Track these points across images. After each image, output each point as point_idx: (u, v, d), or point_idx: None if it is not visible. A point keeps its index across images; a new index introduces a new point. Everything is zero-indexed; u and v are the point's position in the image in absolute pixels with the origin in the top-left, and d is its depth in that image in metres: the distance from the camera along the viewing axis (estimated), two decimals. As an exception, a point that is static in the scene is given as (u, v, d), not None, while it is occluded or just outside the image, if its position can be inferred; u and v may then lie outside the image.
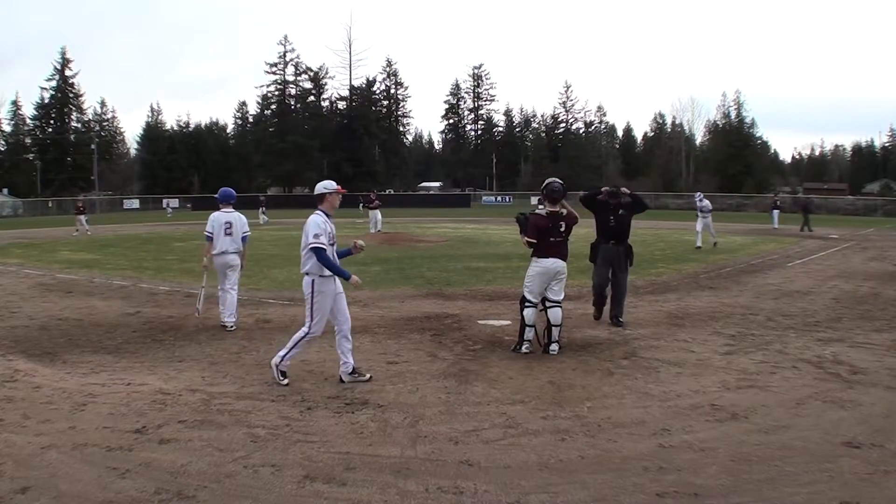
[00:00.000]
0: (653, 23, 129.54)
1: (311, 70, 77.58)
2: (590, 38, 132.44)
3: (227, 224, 8.03)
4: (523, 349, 6.58)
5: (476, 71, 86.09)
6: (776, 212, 29.48)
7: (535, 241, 6.51)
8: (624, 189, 8.22)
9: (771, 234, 25.75)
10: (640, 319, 8.25)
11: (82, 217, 26.79)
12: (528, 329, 6.63)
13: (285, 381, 5.49)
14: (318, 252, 5.32)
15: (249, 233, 8.30)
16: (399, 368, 6.02)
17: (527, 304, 6.64)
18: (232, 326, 7.83)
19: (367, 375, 5.62)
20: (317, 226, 5.38)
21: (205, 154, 77.32)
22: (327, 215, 5.54)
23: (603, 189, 8.24)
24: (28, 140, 71.11)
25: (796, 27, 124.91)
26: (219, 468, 3.76)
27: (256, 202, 35.83)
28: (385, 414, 4.75)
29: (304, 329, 5.49)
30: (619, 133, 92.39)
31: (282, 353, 5.56)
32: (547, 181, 6.79)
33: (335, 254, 5.52)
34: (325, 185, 5.64)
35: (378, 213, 24.89)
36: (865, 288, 11.19)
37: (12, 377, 5.63)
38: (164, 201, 56.93)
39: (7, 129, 69.66)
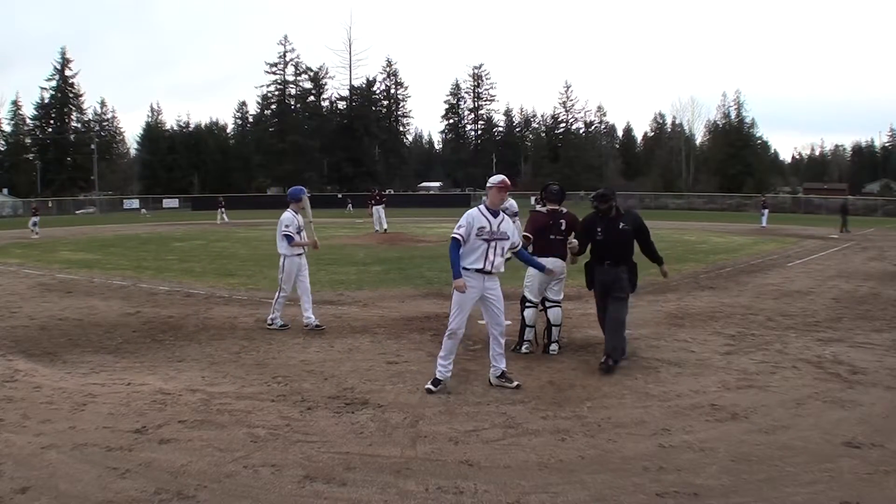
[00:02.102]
0: (653, 23, 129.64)
1: (311, 70, 77.84)
2: (590, 38, 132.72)
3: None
4: (523, 349, 6.58)
5: (476, 71, 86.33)
6: (765, 211, 30.10)
7: (531, 236, 6.50)
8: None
9: (766, 233, 25.79)
10: (640, 319, 8.22)
11: (34, 219, 26.88)
12: (528, 329, 6.63)
13: (436, 389, 5.22)
14: (453, 243, 5.18)
15: (285, 232, 7.92)
16: (399, 368, 6.02)
17: (527, 304, 6.64)
18: (269, 323, 7.89)
19: (515, 383, 5.36)
20: (465, 216, 5.28)
21: (205, 154, 77.38)
22: (490, 210, 5.34)
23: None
24: (28, 140, 71.22)
25: (796, 27, 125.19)
26: (219, 468, 3.76)
27: (216, 203, 35.44)
28: (385, 414, 4.74)
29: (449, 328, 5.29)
30: (619, 133, 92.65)
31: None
32: (546, 183, 6.81)
33: (501, 249, 5.30)
34: (491, 180, 5.42)
35: (380, 210, 24.85)
36: (865, 288, 11.19)
37: (12, 377, 5.63)
38: (160, 203, 56.88)
39: (7, 129, 69.85)
